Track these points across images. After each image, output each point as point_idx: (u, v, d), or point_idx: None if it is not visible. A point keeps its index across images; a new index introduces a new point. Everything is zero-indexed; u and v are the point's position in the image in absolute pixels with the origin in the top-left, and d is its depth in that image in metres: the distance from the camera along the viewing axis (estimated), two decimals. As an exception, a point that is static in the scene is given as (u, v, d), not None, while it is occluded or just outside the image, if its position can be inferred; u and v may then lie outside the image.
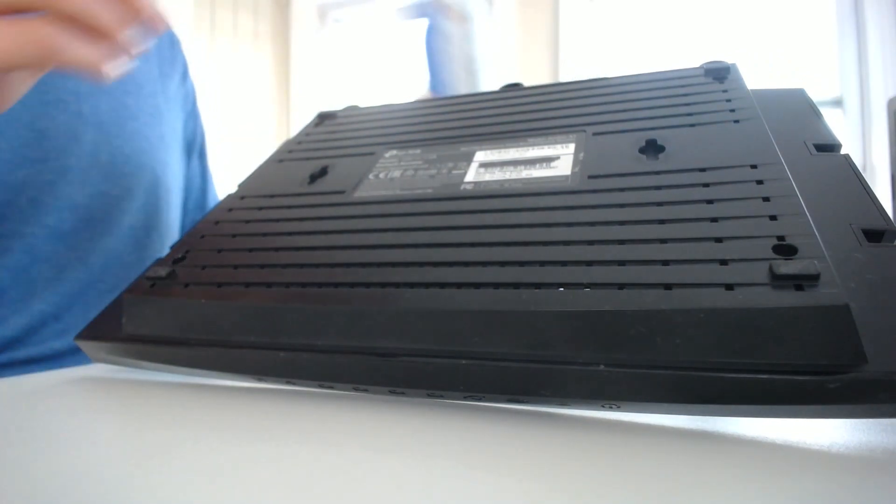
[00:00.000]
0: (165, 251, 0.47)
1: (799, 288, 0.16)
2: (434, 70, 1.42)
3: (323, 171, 0.30)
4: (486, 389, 0.19)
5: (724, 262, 0.17)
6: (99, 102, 0.42)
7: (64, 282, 0.40)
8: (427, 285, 0.20)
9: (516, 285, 0.19)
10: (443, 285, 0.20)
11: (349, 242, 0.24)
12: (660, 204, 0.20)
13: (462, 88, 1.39)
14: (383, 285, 0.21)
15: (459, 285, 0.19)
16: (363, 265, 0.22)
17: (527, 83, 0.35)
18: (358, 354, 0.20)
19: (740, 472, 0.14)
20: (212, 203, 0.54)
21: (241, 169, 0.35)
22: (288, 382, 0.23)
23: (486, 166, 0.27)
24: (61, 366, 0.34)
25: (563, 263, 0.19)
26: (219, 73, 1.82)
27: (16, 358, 0.38)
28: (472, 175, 0.26)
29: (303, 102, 2.04)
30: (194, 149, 0.54)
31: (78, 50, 0.25)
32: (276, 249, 0.25)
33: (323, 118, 0.38)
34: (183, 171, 0.51)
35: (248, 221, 0.28)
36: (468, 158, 0.28)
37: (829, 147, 0.24)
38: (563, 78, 1.68)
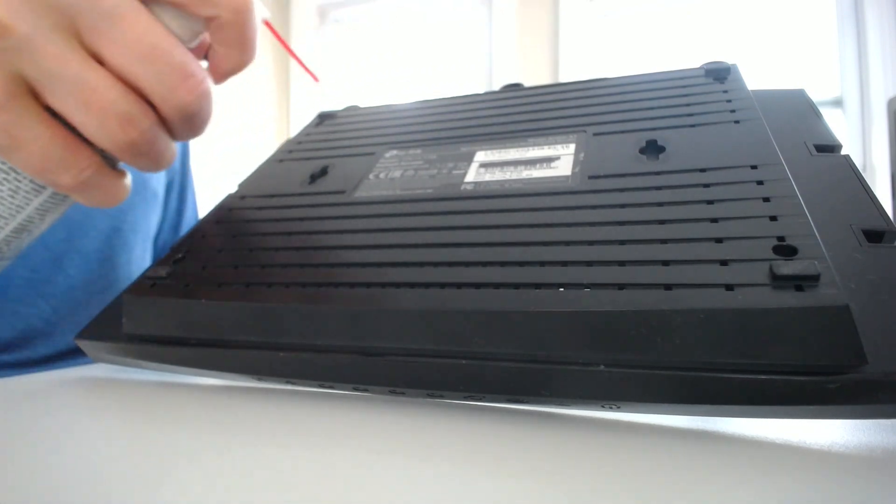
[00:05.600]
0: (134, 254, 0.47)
1: (799, 288, 0.16)
2: None
3: (323, 171, 0.30)
4: (486, 389, 0.19)
5: (724, 263, 0.17)
6: None
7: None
8: (427, 285, 0.20)
9: (516, 285, 0.19)
10: (443, 285, 0.20)
11: (349, 242, 0.24)
12: (660, 204, 0.20)
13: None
14: (383, 285, 0.21)
15: (459, 285, 0.19)
16: (363, 265, 0.22)
17: (527, 83, 0.35)
18: (358, 354, 0.20)
19: (740, 472, 0.14)
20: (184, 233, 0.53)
21: (242, 169, 0.35)
22: (288, 382, 0.23)
23: (486, 166, 0.27)
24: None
25: (564, 264, 0.19)
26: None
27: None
28: (472, 175, 0.26)
29: (303, 102, 2.04)
30: (173, 190, 0.53)
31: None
32: (276, 249, 0.25)
33: (323, 118, 0.38)
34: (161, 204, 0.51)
35: (248, 221, 0.28)
36: (468, 158, 0.28)
37: (829, 147, 0.24)
38: (563, 78, 1.68)
